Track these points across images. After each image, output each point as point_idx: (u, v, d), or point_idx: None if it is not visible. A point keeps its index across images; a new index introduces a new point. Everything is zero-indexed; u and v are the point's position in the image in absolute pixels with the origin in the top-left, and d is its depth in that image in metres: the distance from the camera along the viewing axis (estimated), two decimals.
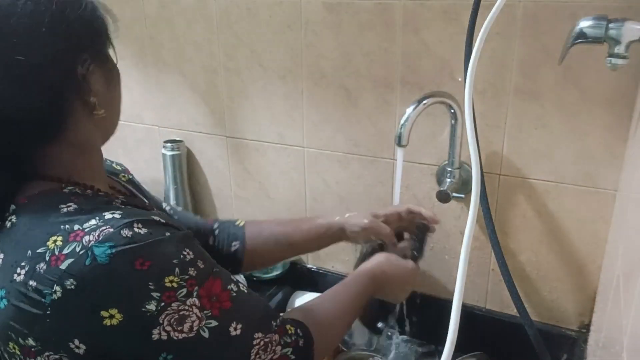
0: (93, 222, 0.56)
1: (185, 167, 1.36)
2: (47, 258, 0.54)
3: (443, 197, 1.03)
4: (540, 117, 0.97)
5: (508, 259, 1.00)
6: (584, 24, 0.70)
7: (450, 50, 0.99)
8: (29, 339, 0.55)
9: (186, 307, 0.57)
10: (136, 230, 0.56)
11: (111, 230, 0.55)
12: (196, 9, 1.21)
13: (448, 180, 1.05)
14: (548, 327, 1.09)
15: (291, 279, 1.31)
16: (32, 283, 0.54)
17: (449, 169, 1.05)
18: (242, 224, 0.98)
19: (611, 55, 0.70)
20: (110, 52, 0.68)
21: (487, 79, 0.98)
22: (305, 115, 1.19)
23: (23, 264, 0.55)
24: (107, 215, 0.57)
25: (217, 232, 0.96)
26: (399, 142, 0.90)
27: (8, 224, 0.59)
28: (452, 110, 0.97)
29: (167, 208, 0.92)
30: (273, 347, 0.64)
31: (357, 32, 1.07)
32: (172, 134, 1.37)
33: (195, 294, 0.58)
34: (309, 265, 1.34)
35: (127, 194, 0.78)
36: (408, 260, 0.90)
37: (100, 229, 0.55)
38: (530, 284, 1.09)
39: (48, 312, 0.53)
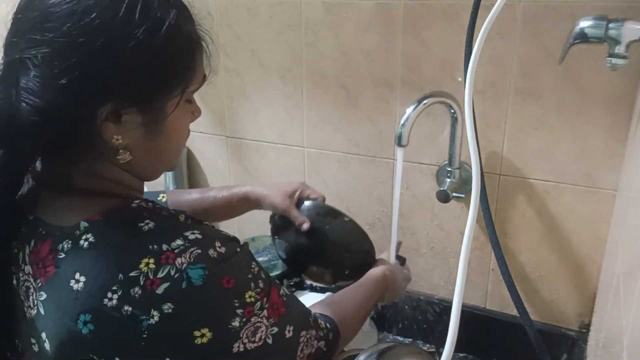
0: (179, 242, 0.55)
1: (185, 167, 1.36)
2: (141, 282, 0.52)
3: (443, 197, 1.03)
4: (540, 117, 0.97)
5: (508, 259, 1.00)
6: (584, 24, 0.70)
7: (450, 50, 0.99)
8: (116, 358, 0.53)
9: (259, 320, 0.60)
10: (219, 249, 0.57)
11: (199, 251, 0.55)
12: (196, 9, 1.21)
13: (448, 180, 1.05)
14: (548, 327, 1.09)
15: (291, 279, 1.30)
16: (127, 308, 0.52)
17: (449, 169, 1.05)
18: (164, 199, 0.95)
19: (611, 55, 0.70)
20: (172, 102, 0.59)
21: (487, 79, 0.98)
22: (305, 115, 1.19)
23: (114, 288, 0.52)
24: (190, 236, 0.56)
25: None
26: (399, 142, 0.90)
27: (84, 243, 0.55)
28: (452, 110, 0.97)
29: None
30: (312, 342, 0.69)
31: (357, 32, 1.07)
32: None
33: (266, 305, 0.61)
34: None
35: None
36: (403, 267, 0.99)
37: (190, 251, 0.55)
38: (530, 284, 1.09)
39: (144, 336, 0.52)
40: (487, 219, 0.98)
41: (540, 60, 0.94)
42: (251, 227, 1.37)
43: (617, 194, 0.95)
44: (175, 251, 0.54)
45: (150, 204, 0.61)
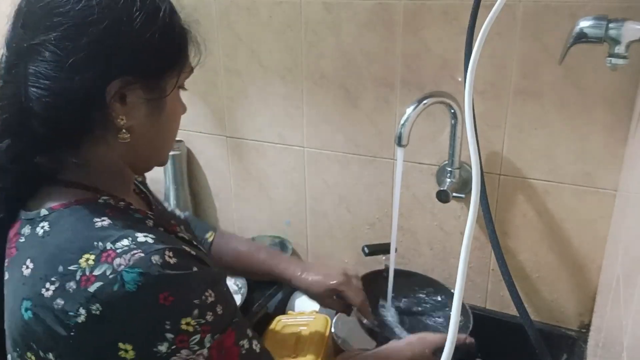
0: (125, 242, 0.54)
1: (185, 167, 1.36)
2: (77, 277, 0.52)
3: (443, 197, 1.03)
4: (540, 117, 0.97)
5: (508, 259, 1.00)
6: (584, 24, 0.70)
7: (450, 50, 0.99)
8: (50, 353, 0.53)
9: (193, 357, 0.54)
10: (167, 259, 0.53)
11: (142, 255, 0.53)
12: (196, 9, 1.21)
13: (448, 180, 1.05)
14: (548, 327, 1.09)
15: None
16: (59, 301, 0.52)
17: (449, 169, 1.05)
18: (211, 239, 0.97)
19: (611, 55, 0.70)
20: (170, 83, 0.63)
21: (487, 79, 0.98)
22: (305, 115, 1.19)
23: (53, 279, 0.53)
24: (140, 238, 0.54)
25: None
26: (399, 142, 0.90)
27: (40, 230, 0.56)
28: (452, 110, 0.97)
29: (168, 208, 0.90)
30: None
31: (357, 32, 1.07)
32: None
33: (207, 344, 0.55)
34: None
35: (144, 198, 0.77)
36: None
37: (132, 252, 0.53)
38: (530, 284, 1.09)
39: (72, 334, 0.52)
40: (487, 219, 0.98)
41: (540, 60, 0.94)
42: (251, 227, 1.37)
43: (617, 194, 0.95)
44: (118, 251, 0.53)
45: (122, 203, 0.61)
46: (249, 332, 0.61)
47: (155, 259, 0.53)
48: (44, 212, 0.58)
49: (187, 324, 0.53)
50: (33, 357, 0.55)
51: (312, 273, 0.93)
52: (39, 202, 0.60)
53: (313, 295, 0.94)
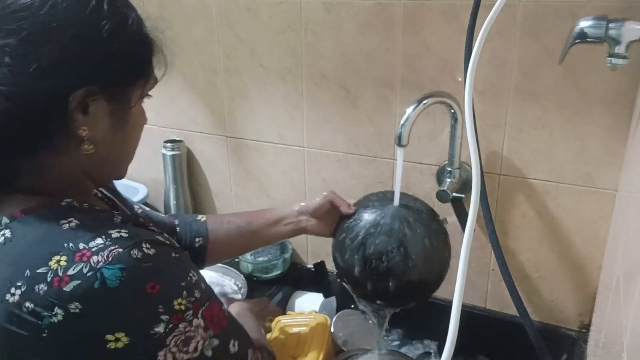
0: (100, 240, 0.53)
1: (185, 167, 1.36)
2: (48, 279, 0.51)
3: (443, 197, 1.03)
4: (540, 117, 0.97)
5: (508, 259, 1.00)
6: (584, 24, 0.70)
7: (450, 50, 0.99)
8: (16, 356, 0.52)
9: (192, 328, 0.57)
10: (145, 251, 0.54)
11: (120, 250, 0.52)
12: (196, 9, 1.21)
13: (448, 180, 1.05)
14: (548, 327, 1.09)
15: (291, 279, 1.30)
16: (28, 304, 0.51)
17: (449, 169, 1.05)
18: (203, 219, 0.97)
19: (611, 55, 0.70)
20: (135, 94, 0.62)
21: (487, 79, 0.98)
22: (305, 115, 1.19)
23: (19, 283, 0.51)
24: (114, 234, 0.54)
25: (178, 229, 0.95)
26: (399, 142, 0.90)
27: (1, 238, 0.55)
28: (452, 110, 0.97)
29: (138, 210, 0.89)
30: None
31: (357, 32, 1.07)
32: (172, 133, 1.37)
33: (200, 315, 0.58)
34: (309, 265, 1.34)
35: (108, 202, 0.76)
36: None
37: (109, 249, 0.52)
38: (530, 284, 1.09)
39: (44, 335, 0.51)
40: (487, 219, 0.98)
41: (540, 60, 0.94)
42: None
43: (617, 194, 0.95)
44: (93, 249, 0.52)
45: (85, 205, 0.60)
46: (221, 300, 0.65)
47: (135, 252, 0.53)
48: (4, 220, 0.56)
49: (179, 304, 0.55)
50: None
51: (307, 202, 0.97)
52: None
53: (314, 212, 0.96)
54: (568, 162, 0.98)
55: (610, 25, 0.69)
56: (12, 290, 0.51)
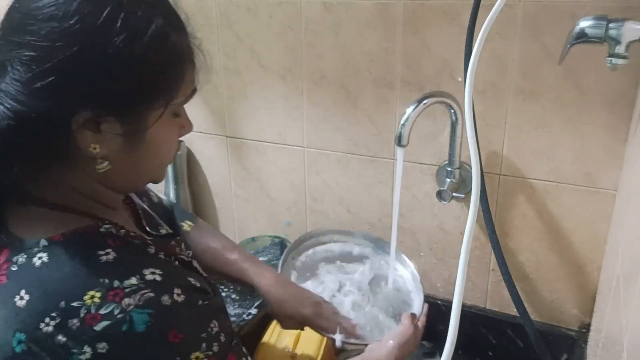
0: (134, 281, 0.53)
1: (185, 167, 1.36)
2: (81, 315, 0.50)
3: (443, 197, 1.03)
4: (540, 117, 0.97)
5: (508, 259, 1.00)
6: (584, 24, 0.70)
7: (450, 50, 0.99)
8: None
9: None
10: (175, 297, 0.54)
11: (152, 295, 0.53)
12: (196, 9, 1.21)
13: (448, 180, 1.05)
14: (548, 327, 1.09)
15: None
16: (61, 338, 0.50)
17: (449, 169, 1.05)
18: (188, 229, 0.91)
19: (611, 55, 0.70)
20: (153, 115, 0.56)
21: (487, 79, 0.98)
22: (305, 115, 1.19)
23: (54, 314, 0.51)
24: (148, 276, 0.54)
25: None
26: (399, 142, 0.90)
27: (37, 261, 0.53)
28: (452, 110, 0.97)
29: (162, 201, 0.87)
30: None
31: (357, 32, 1.07)
32: None
33: None
34: None
35: (131, 205, 0.74)
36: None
37: (141, 292, 0.52)
38: (530, 284, 1.09)
39: None
40: (487, 219, 0.98)
41: (540, 60, 0.94)
42: (251, 227, 1.37)
43: (617, 194, 0.95)
44: (126, 290, 0.52)
45: (122, 230, 0.59)
46: (244, 350, 0.63)
47: (165, 299, 0.53)
48: (43, 242, 0.54)
49: (196, 357, 0.54)
50: None
51: (284, 293, 0.86)
52: (29, 227, 0.56)
53: (276, 316, 0.88)
54: (568, 162, 0.98)
55: (610, 25, 0.69)
56: (47, 320, 0.51)
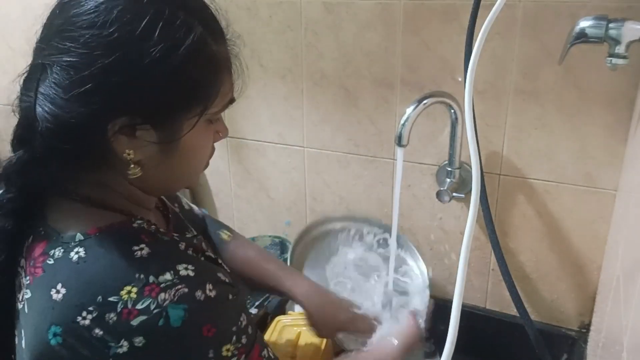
0: (168, 276, 0.54)
1: None
2: (118, 309, 0.52)
3: (443, 197, 1.03)
4: (540, 117, 0.97)
5: (508, 259, 1.00)
6: (584, 24, 0.70)
7: (450, 50, 0.99)
8: None
9: None
10: (208, 292, 0.55)
11: (186, 290, 0.54)
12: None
13: (448, 180, 1.05)
14: (548, 327, 1.09)
15: None
16: (98, 331, 0.51)
17: (449, 169, 1.05)
18: (228, 239, 0.94)
19: (611, 55, 0.70)
20: (188, 123, 0.57)
21: (487, 79, 0.98)
22: (305, 115, 1.19)
23: (91, 308, 0.52)
24: (182, 272, 0.55)
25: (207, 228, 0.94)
26: (399, 142, 0.90)
27: (74, 256, 0.54)
28: (452, 110, 0.97)
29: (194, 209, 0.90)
30: None
31: (357, 32, 1.07)
32: None
33: None
34: None
35: (160, 208, 0.76)
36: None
37: (176, 288, 0.53)
38: (530, 284, 1.09)
39: None
40: (487, 219, 0.98)
41: (540, 60, 0.94)
42: (251, 227, 1.37)
43: (617, 194, 0.95)
44: (161, 285, 0.53)
45: (153, 226, 0.60)
46: (265, 341, 0.65)
47: (199, 294, 0.54)
48: (79, 237, 0.56)
49: (227, 349, 0.56)
50: None
51: (320, 301, 0.89)
52: (66, 221, 0.58)
53: (314, 324, 0.89)
54: (568, 162, 0.98)
55: (610, 25, 0.69)
56: (84, 313, 0.52)
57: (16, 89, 0.58)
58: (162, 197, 0.77)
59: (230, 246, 0.94)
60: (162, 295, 0.53)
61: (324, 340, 0.97)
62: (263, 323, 1.05)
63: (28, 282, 0.56)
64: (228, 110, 0.67)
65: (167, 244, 0.60)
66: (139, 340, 0.51)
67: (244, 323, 0.59)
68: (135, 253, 0.55)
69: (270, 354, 0.64)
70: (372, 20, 1.05)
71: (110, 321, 0.51)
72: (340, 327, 0.89)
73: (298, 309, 1.18)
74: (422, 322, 0.87)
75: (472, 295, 1.14)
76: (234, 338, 0.57)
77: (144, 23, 0.52)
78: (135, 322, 0.51)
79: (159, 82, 0.54)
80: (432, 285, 1.19)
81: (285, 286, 0.90)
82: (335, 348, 1.02)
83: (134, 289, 0.53)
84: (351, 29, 1.07)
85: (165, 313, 0.52)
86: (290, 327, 1.00)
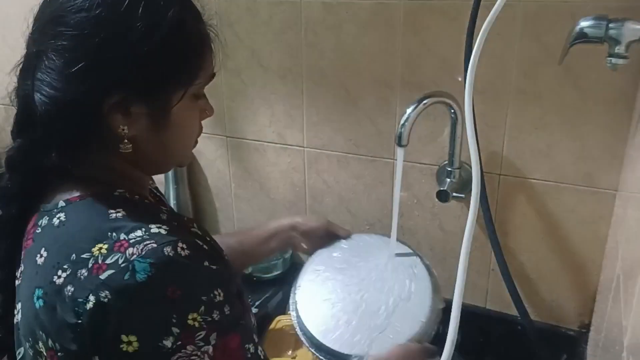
0: (139, 233, 0.54)
1: (186, 167, 1.36)
2: (89, 265, 0.53)
3: (443, 197, 1.03)
4: (540, 117, 0.97)
5: (508, 259, 1.00)
6: (584, 24, 0.70)
7: (450, 50, 0.99)
8: (56, 343, 0.53)
9: (199, 355, 0.53)
10: (179, 250, 0.54)
11: (155, 245, 0.53)
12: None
13: (448, 180, 1.05)
14: (548, 327, 1.09)
15: (291, 279, 1.30)
16: (70, 288, 0.52)
17: (449, 169, 1.05)
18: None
19: (611, 55, 0.70)
20: (176, 95, 0.60)
21: (487, 79, 0.98)
22: (305, 115, 1.19)
23: (65, 267, 0.53)
24: (154, 229, 0.55)
25: None
26: (399, 142, 0.90)
27: (56, 221, 0.58)
28: (452, 110, 0.97)
29: None
30: None
31: (357, 32, 1.07)
32: None
33: (212, 341, 0.54)
34: None
35: (159, 201, 0.77)
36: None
37: (145, 243, 0.53)
38: (530, 284, 1.09)
39: (79, 322, 0.52)
40: (487, 219, 0.98)
41: (540, 60, 0.94)
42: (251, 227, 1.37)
43: (617, 194, 0.95)
44: (131, 241, 0.53)
45: (136, 196, 0.62)
46: (255, 338, 0.60)
47: (168, 250, 0.53)
48: (61, 204, 0.59)
49: (194, 319, 0.53)
50: (43, 348, 0.55)
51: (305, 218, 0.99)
52: (54, 194, 0.61)
53: (306, 232, 0.96)
54: (568, 162, 0.98)
55: (610, 25, 0.69)
56: (59, 272, 0.54)
57: (13, 81, 0.60)
58: (163, 198, 0.79)
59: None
60: (130, 250, 0.52)
61: None
62: (264, 323, 1.05)
63: (22, 256, 0.60)
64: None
65: (147, 209, 0.61)
66: (104, 295, 0.51)
67: (219, 299, 0.55)
68: (111, 215, 0.57)
69: (259, 352, 0.60)
70: (372, 20, 1.05)
71: (82, 277, 0.52)
72: (325, 223, 0.98)
73: None
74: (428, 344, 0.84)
75: (472, 295, 1.14)
76: (202, 308, 0.53)
77: (126, 3, 0.56)
78: (103, 276, 0.52)
79: (147, 55, 0.57)
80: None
81: (270, 225, 0.97)
82: None
83: (105, 246, 0.53)
84: (351, 29, 1.07)
85: (131, 267, 0.51)
86: (290, 327, 1.00)
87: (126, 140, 0.59)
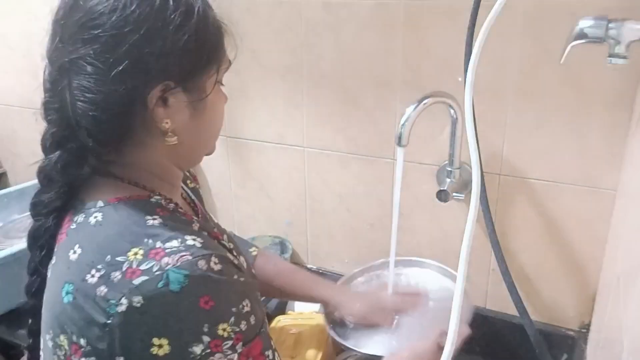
0: (175, 243, 0.56)
1: None
2: (123, 268, 0.54)
3: (443, 197, 1.03)
4: (540, 117, 0.97)
5: (508, 259, 1.00)
6: (584, 23, 0.70)
7: (450, 50, 0.99)
8: (82, 339, 0.55)
9: None
10: (212, 265, 0.56)
11: (189, 258, 0.54)
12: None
13: (448, 180, 1.05)
14: (548, 327, 1.09)
15: None
16: (102, 289, 0.53)
17: (449, 169, 1.05)
18: (254, 252, 1.00)
19: (611, 55, 0.70)
20: (210, 81, 0.65)
21: (487, 79, 0.98)
22: (305, 115, 1.19)
23: (99, 267, 0.55)
24: (189, 241, 0.56)
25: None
26: (399, 142, 0.90)
27: (92, 220, 0.59)
28: (452, 110, 0.97)
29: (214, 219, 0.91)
30: None
31: (357, 32, 1.07)
32: None
33: (238, 350, 0.56)
34: (309, 265, 1.34)
35: (190, 204, 0.79)
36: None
37: (180, 254, 0.54)
38: (530, 284, 1.09)
39: (109, 322, 0.53)
40: (487, 219, 0.98)
41: (540, 60, 0.94)
42: (251, 227, 1.37)
43: (617, 194, 0.95)
44: (167, 250, 0.55)
45: (171, 204, 0.64)
46: (272, 344, 0.63)
47: (201, 263, 0.55)
48: (99, 203, 0.60)
49: (224, 329, 0.55)
50: (65, 342, 0.56)
51: (355, 302, 0.94)
52: (94, 193, 0.62)
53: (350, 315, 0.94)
54: (568, 162, 0.98)
55: (610, 25, 0.69)
56: (93, 271, 0.55)
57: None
58: (197, 202, 0.82)
59: (259, 259, 0.99)
60: (165, 260, 0.54)
61: (324, 341, 0.97)
62: None
63: (56, 249, 0.61)
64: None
65: (181, 219, 0.63)
66: (137, 300, 0.52)
67: (247, 309, 0.58)
68: (148, 222, 0.58)
69: (276, 358, 0.62)
70: (372, 20, 1.05)
71: (115, 279, 0.53)
72: (371, 322, 0.93)
73: (298, 309, 1.19)
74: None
75: (472, 295, 1.14)
76: (232, 319, 0.56)
77: None
78: (136, 281, 0.53)
79: (184, 45, 0.59)
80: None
81: (318, 291, 0.96)
82: (336, 349, 1.02)
83: (141, 251, 0.55)
84: (351, 29, 1.07)
85: (165, 276, 0.53)
86: (290, 327, 1.00)
87: (170, 134, 0.61)
